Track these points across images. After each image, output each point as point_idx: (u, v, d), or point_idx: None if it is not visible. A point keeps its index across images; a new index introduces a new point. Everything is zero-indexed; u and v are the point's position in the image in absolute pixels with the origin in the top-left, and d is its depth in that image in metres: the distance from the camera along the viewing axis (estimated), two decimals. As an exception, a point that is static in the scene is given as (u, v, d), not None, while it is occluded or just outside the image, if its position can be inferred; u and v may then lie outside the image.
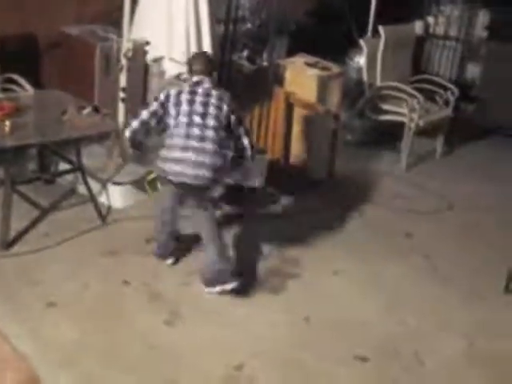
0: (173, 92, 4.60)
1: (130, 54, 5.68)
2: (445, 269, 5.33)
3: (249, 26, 7.32)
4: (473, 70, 9.23)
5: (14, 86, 5.77)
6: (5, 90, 5.76)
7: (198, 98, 4.54)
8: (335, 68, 6.58)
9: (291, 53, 7.09)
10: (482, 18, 9.22)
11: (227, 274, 4.58)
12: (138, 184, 5.70)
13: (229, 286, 4.56)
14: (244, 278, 4.77)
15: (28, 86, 5.73)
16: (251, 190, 5.64)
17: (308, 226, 5.60)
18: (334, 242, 5.48)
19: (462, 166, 7.31)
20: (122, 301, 4.50)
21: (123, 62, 5.71)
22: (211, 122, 4.48)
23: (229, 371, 4.01)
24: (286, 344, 4.31)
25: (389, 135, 7.35)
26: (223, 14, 6.32)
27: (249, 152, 4.74)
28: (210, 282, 4.60)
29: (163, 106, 4.58)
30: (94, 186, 5.49)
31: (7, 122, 4.74)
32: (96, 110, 5.25)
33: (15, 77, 5.79)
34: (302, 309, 4.65)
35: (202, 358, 4.10)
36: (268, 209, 5.81)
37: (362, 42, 7.32)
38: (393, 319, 4.67)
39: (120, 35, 5.86)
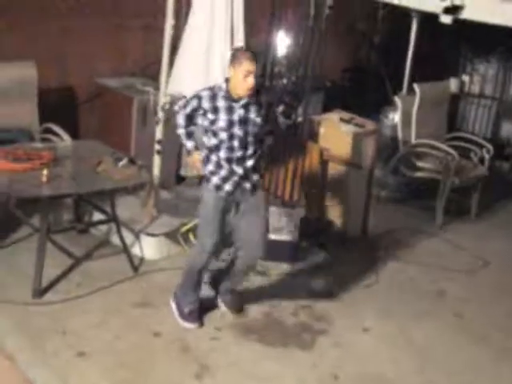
0: None
1: (166, 107, 5.76)
2: (477, 328, 5.25)
3: (285, 81, 7.39)
4: (508, 129, 9.23)
5: (52, 137, 5.87)
6: (44, 139, 5.87)
7: None
8: (370, 124, 6.58)
9: (327, 109, 7.14)
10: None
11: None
12: (172, 236, 5.71)
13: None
14: (274, 332, 4.74)
15: (66, 136, 5.82)
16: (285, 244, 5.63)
17: (339, 282, 5.55)
18: (364, 299, 5.42)
19: (496, 224, 7.23)
20: (152, 353, 4.48)
21: (160, 114, 5.78)
22: None
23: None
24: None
25: (423, 192, 7.32)
26: (260, 70, 6.37)
27: None
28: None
29: None
30: (128, 236, 5.51)
31: (45, 171, 4.80)
32: (132, 161, 5.29)
33: (54, 127, 5.89)
34: (330, 366, 4.59)
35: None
36: (301, 263, 5.78)
37: (396, 99, 7.34)
38: (422, 380, 4.59)
39: (157, 88, 5.94)
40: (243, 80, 4.27)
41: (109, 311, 4.82)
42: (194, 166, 4.69)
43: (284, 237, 5.61)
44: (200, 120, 4.48)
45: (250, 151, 4.45)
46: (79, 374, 4.17)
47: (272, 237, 5.34)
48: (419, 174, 7.18)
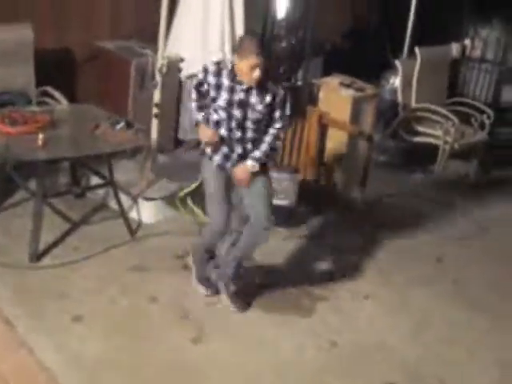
0: None
1: (164, 70, 5.70)
2: (475, 295, 5.25)
3: (284, 44, 7.32)
4: (509, 94, 9.15)
5: (49, 100, 5.82)
6: (40, 103, 5.82)
7: None
8: (370, 89, 6.53)
9: (326, 73, 7.07)
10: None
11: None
12: (169, 200, 5.69)
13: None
14: (273, 298, 4.76)
15: (63, 100, 5.77)
16: (283, 209, 5.61)
17: (338, 248, 5.53)
18: (364, 266, 5.41)
19: (495, 190, 7.21)
20: (148, 317, 4.47)
21: (157, 78, 5.73)
22: None
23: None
24: (312, 368, 4.25)
25: (422, 157, 7.30)
26: (259, 32, 6.30)
27: None
28: None
29: None
30: (125, 200, 5.49)
31: (41, 135, 4.75)
32: (129, 124, 5.25)
33: (50, 90, 5.84)
34: (329, 332, 4.59)
35: (226, 378, 4.06)
36: (298, 228, 5.76)
37: (397, 63, 7.27)
38: (421, 345, 4.60)
39: (155, 51, 5.88)
40: (249, 72, 4.16)
41: (106, 275, 4.81)
42: (207, 138, 4.39)
43: (281, 201, 5.58)
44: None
45: (249, 135, 4.34)
46: (76, 338, 4.16)
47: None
48: (418, 139, 7.15)
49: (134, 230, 5.37)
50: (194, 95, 4.44)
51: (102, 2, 6.57)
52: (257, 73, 4.15)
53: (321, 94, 6.37)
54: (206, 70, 4.33)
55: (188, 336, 4.33)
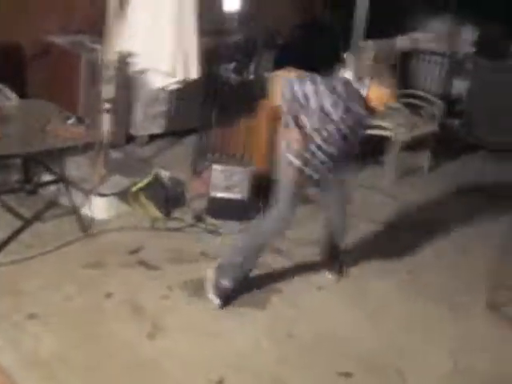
0: None
1: (114, 65, 5.66)
2: (429, 284, 5.33)
3: (236, 38, 7.33)
4: (459, 86, 9.27)
5: (-2, 96, 5.74)
6: (-11, 99, 5.73)
7: None
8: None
9: (278, 67, 7.08)
10: (469, 33, 9.29)
11: None
12: (122, 195, 5.66)
13: None
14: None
15: (12, 95, 5.69)
16: (235, 202, 5.62)
17: (291, 239, 5.55)
18: (317, 257, 5.45)
19: (447, 180, 7.32)
20: (104, 314, 4.45)
21: (108, 73, 5.68)
22: None
23: (210, 386, 3.99)
24: (269, 360, 4.27)
25: (376, 149, 7.36)
26: (210, 26, 6.30)
27: None
28: None
29: None
30: (78, 197, 5.44)
31: (-10, 132, 4.70)
32: (80, 120, 5.21)
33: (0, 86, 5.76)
34: (285, 324, 4.61)
35: (183, 371, 4.06)
36: (251, 221, 5.77)
37: (348, 56, 7.32)
38: (377, 335, 4.65)
39: (105, 46, 5.84)
40: (378, 102, 4.55)
41: (59, 272, 4.78)
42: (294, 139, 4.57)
43: (233, 195, 5.59)
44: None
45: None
46: (30, 337, 4.12)
47: (221, 195, 5.33)
48: (370, 131, 7.18)
49: (86, 226, 5.33)
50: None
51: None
52: (382, 107, 4.65)
53: (273, 88, 6.37)
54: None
55: (144, 331, 4.32)
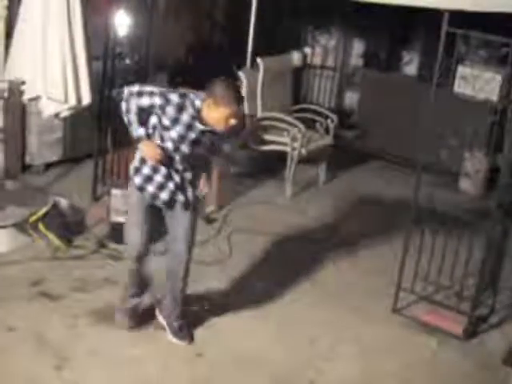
0: None
1: (5, 94, 5.57)
2: (332, 291, 5.43)
3: (128, 61, 7.32)
4: (351, 98, 9.53)
5: None
6: None
7: None
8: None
9: (172, 87, 7.10)
10: (357, 46, 9.55)
11: None
12: (20, 226, 5.54)
13: None
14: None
15: None
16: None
17: (196, 260, 5.54)
18: (218, 275, 5.45)
19: (343, 191, 7.49)
20: (7, 348, 4.33)
21: (-1, 102, 5.60)
22: None
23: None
24: (178, 381, 4.26)
25: (273, 165, 7.46)
26: (101, 51, 6.27)
27: None
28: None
29: None
30: (-26, 231, 5.32)
31: None
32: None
33: None
34: (194, 345, 4.59)
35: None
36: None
37: (240, 73, 7.39)
38: (282, 349, 4.68)
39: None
40: (223, 121, 4.04)
41: (-42, 309, 4.65)
42: (151, 153, 4.15)
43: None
44: (152, 116, 4.19)
45: (189, 165, 4.26)
46: None
47: (122, 219, 5.29)
48: (267, 147, 7.29)
49: (-15, 260, 5.21)
50: (133, 107, 4.12)
51: None
52: (232, 122, 4.04)
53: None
54: (167, 100, 4.06)
55: (50, 363, 4.23)
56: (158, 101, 4.06)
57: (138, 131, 4.19)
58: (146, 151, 4.17)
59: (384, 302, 5.27)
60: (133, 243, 4.42)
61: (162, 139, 4.15)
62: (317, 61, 9.67)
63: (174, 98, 4.07)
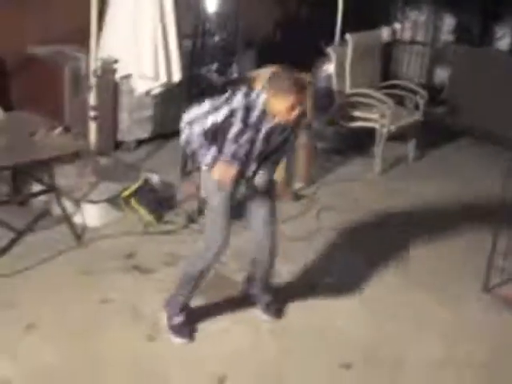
0: None
1: (98, 72, 5.68)
2: (419, 273, 5.35)
3: (216, 39, 7.35)
4: (441, 74, 9.35)
5: (-17, 109, 5.74)
6: (-26, 113, 5.74)
7: None
8: (304, 77, 6.58)
9: (260, 65, 7.11)
10: (448, 22, 9.36)
11: None
12: (113, 201, 5.67)
13: None
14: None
15: (-3, 109, 5.70)
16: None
17: (286, 235, 5.55)
18: (305, 252, 5.44)
19: (433, 168, 7.37)
20: (102, 320, 4.45)
21: (92, 80, 5.71)
22: None
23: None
24: (267, 355, 4.31)
25: (361, 142, 7.41)
26: (190, 28, 6.32)
27: None
28: None
29: None
30: (69, 205, 5.46)
31: (-23, 145, 4.71)
32: (67, 129, 5.22)
33: (-17, 100, 5.76)
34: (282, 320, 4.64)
35: (186, 371, 4.09)
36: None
37: (329, 50, 7.35)
38: (370, 325, 4.68)
39: (88, 54, 5.85)
40: (287, 112, 3.91)
41: (54, 282, 4.78)
42: (226, 179, 4.03)
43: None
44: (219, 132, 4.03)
45: (263, 163, 4.21)
46: (28, 348, 4.13)
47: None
48: (356, 124, 7.23)
49: (79, 234, 5.34)
50: (195, 138, 3.99)
51: (32, 8, 6.48)
52: (296, 112, 3.91)
53: (256, 86, 6.39)
54: (229, 107, 3.92)
55: (143, 334, 4.33)
56: (221, 114, 3.96)
57: (210, 151, 4.03)
58: (222, 176, 4.04)
59: (475, 284, 5.17)
60: (214, 239, 4.23)
61: (239, 145, 4.02)
62: (406, 36, 9.52)
63: (237, 101, 3.95)
